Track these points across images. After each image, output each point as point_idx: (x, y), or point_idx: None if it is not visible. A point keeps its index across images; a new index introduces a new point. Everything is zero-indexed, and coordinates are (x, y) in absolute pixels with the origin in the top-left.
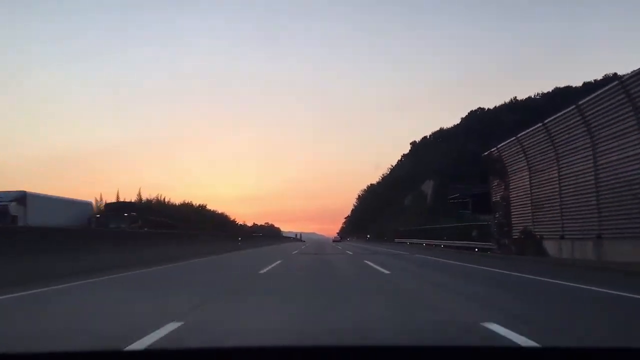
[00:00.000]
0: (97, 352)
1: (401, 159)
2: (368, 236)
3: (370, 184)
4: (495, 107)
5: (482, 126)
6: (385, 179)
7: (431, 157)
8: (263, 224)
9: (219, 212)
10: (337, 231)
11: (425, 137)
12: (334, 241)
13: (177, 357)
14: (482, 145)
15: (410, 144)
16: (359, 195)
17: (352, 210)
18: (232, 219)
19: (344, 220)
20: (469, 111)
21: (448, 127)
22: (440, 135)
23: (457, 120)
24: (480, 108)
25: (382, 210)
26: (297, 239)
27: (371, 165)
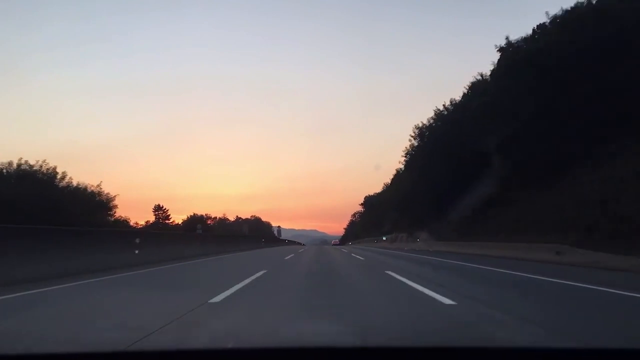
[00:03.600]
0: (97, 352)
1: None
2: None
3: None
4: None
5: None
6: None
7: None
8: (249, 217)
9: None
10: (344, 226)
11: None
12: (333, 244)
13: (177, 357)
14: None
15: (499, 50)
16: (413, 143)
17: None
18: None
19: (353, 213)
20: None
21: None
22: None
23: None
24: None
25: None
26: (274, 238)
27: (372, 165)
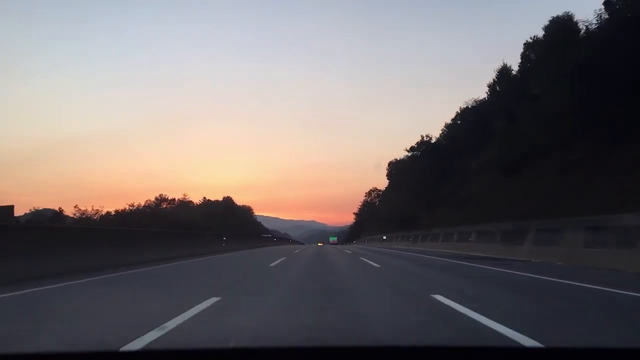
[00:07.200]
0: (96, 352)
1: None
2: None
3: None
4: None
5: None
6: None
7: None
8: (220, 198)
9: None
10: (354, 212)
11: None
12: (332, 243)
13: (177, 357)
14: None
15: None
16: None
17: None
18: None
19: (368, 190)
20: None
21: None
22: None
23: None
24: None
25: None
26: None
27: (372, 158)
